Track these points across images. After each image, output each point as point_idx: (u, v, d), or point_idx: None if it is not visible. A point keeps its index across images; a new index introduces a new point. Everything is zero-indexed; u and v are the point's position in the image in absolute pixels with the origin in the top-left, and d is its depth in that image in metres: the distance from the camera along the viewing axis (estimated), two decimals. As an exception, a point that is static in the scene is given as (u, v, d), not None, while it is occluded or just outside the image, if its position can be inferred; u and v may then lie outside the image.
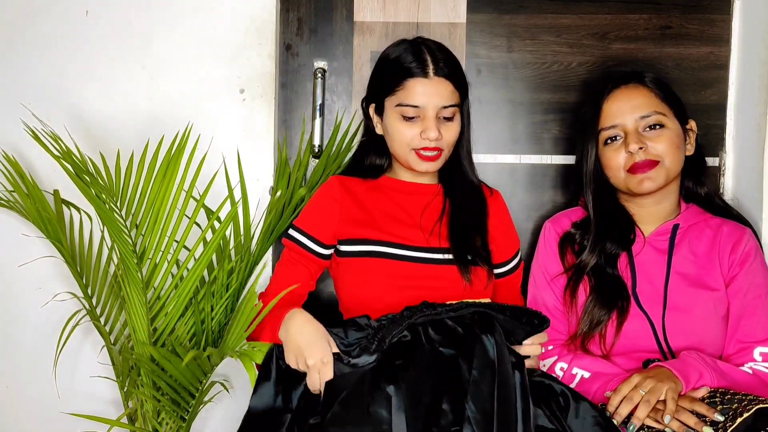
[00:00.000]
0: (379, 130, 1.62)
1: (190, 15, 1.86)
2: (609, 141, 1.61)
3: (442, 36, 1.90)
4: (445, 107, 1.52)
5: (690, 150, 1.64)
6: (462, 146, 1.63)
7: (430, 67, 1.51)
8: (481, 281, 1.58)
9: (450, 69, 1.53)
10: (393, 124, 1.54)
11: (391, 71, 1.54)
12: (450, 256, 1.57)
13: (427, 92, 1.50)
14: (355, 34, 1.92)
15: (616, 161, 1.59)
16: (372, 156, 1.66)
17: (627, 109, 1.58)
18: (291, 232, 1.62)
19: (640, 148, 1.55)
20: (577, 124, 1.81)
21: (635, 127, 1.57)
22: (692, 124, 1.65)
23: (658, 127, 1.58)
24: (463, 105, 1.58)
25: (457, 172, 1.65)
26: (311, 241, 1.60)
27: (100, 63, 1.87)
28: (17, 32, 1.86)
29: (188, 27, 1.87)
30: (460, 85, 1.55)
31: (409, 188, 1.64)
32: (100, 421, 1.60)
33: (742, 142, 1.87)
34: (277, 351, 1.42)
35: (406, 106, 1.51)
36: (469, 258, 1.57)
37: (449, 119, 1.54)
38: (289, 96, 1.93)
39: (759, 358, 1.53)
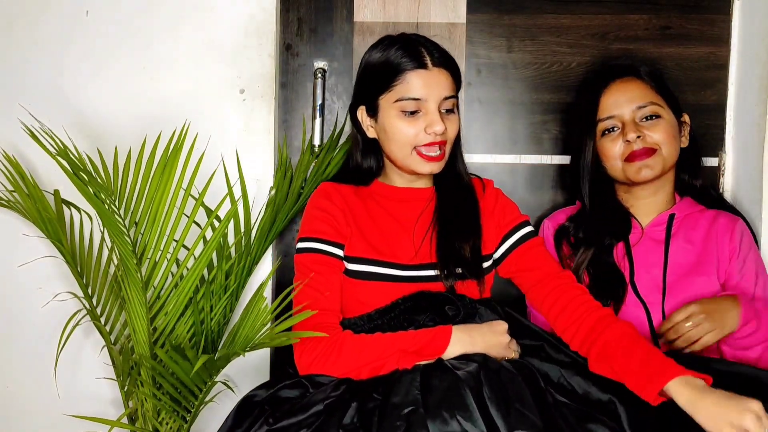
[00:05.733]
0: (371, 134, 1.53)
1: (190, 15, 1.87)
2: (606, 132, 1.64)
3: (442, 36, 1.90)
4: (446, 98, 1.45)
5: (684, 142, 1.68)
6: (457, 145, 1.56)
7: (428, 58, 1.44)
8: (472, 294, 1.50)
9: (446, 59, 1.47)
10: (392, 123, 1.46)
11: (385, 67, 1.46)
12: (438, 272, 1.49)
13: (428, 83, 1.42)
14: (355, 34, 1.92)
15: (613, 151, 1.63)
16: (361, 161, 1.57)
17: (624, 101, 1.62)
18: (303, 245, 1.48)
19: (638, 137, 1.59)
20: (572, 118, 1.84)
21: (632, 118, 1.61)
22: (686, 117, 1.69)
23: (654, 117, 1.62)
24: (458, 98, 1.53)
25: (452, 173, 1.57)
26: (329, 245, 1.47)
27: (100, 63, 1.87)
28: (17, 32, 1.87)
29: (188, 27, 1.87)
30: (456, 75, 1.49)
31: (402, 195, 1.55)
32: (100, 422, 1.60)
33: (741, 142, 1.87)
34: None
35: (407, 99, 1.43)
36: (458, 272, 1.48)
37: (451, 111, 1.48)
38: (289, 96, 1.93)
39: None
